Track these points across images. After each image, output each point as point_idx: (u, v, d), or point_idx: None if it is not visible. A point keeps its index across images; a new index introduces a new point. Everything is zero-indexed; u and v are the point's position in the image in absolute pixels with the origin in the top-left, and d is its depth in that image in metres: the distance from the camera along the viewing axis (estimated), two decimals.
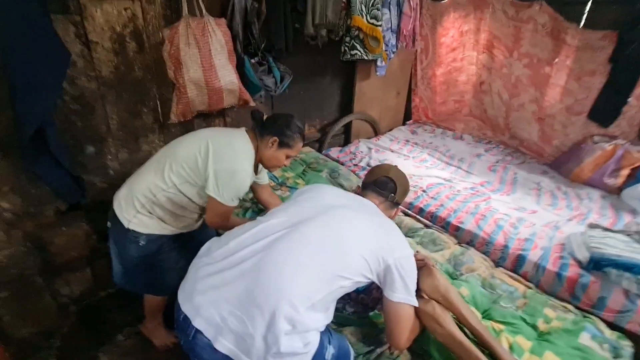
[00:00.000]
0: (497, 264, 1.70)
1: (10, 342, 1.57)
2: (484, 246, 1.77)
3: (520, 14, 2.64)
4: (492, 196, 2.18)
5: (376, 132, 3.25)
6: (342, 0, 2.11)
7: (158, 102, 1.91)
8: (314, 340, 0.90)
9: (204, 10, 1.61)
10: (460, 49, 3.09)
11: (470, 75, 3.12)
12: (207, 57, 1.59)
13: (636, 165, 2.20)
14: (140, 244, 1.32)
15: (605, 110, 2.45)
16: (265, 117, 1.40)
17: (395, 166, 1.30)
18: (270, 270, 0.87)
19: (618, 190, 2.27)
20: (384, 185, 1.20)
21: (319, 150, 2.84)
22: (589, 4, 2.43)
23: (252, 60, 1.90)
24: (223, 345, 0.83)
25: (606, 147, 2.27)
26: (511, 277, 1.56)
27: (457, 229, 1.87)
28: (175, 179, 1.26)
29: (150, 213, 1.30)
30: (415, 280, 1.03)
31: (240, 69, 1.83)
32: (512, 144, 3.01)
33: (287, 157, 1.37)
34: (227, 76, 1.68)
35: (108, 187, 1.96)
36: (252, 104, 1.90)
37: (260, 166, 1.49)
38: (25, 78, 1.31)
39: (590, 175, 2.33)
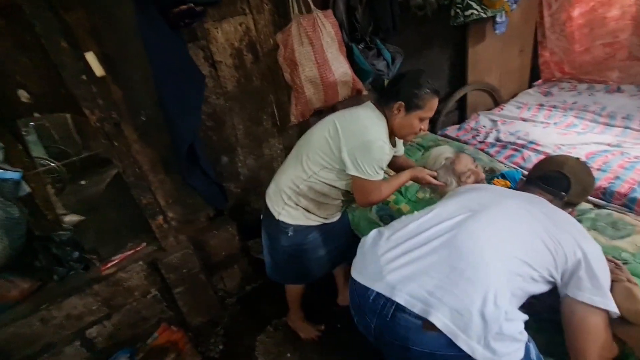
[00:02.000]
0: None
1: (188, 329, 1.86)
2: None
3: None
4: None
5: (497, 102, 2.81)
6: None
7: (275, 107, 2.01)
8: (524, 331, 0.81)
9: (311, 5, 1.58)
10: None
11: (627, 6, 2.39)
12: (320, 52, 1.57)
13: None
14: (289, 234, 1.38)
15: None
16: (386, 82, 1.27)
17: (576, 159, 1.08)
18: (470, 247, 0.83)
19: None
20: (553, 182, 1.04)
21: (432, 130, 2.59)
22: None
23: (360, 47, 1.81)
24: (438, 319, 0.75)
25: None
26: None
27: None
28: (314, 167, 1.26)
29: (296, 205, 1.34)
30: (609, 283, 0.87)
31: (349, 57, 1.77)
32: None
33: (421, 120, 1.20)
34: (340, 68, 1.63)
35: (241, 191, 2.17)
36: (365, 92, 1.82)
37: (398, 140, 1.39)
38: (175, 103, 1.50)
39: None
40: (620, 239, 1.35)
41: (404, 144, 2.27)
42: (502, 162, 1.91)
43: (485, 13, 1.99)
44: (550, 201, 1.02)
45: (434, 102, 1.19)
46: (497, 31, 2.29)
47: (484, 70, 2.64)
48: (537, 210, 0.94)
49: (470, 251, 0.82)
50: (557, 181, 1.03)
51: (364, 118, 1.19)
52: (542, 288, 0.89)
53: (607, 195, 1.56)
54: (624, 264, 1.23)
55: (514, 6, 2.25)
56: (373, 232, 1.02)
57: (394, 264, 0.87)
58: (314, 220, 1.40)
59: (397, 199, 1.80)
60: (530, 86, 3.01)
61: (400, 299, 0.80)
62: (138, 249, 1.78)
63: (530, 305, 1.11)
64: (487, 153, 2.06)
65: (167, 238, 1.76)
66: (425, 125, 1.23)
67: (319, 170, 1.26)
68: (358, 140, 1.15)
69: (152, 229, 1.72)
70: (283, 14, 1.77)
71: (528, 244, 0.86)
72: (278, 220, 1.36)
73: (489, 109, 2.73)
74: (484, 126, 2.41)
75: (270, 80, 1.92)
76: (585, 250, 0.85)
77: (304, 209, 1.35)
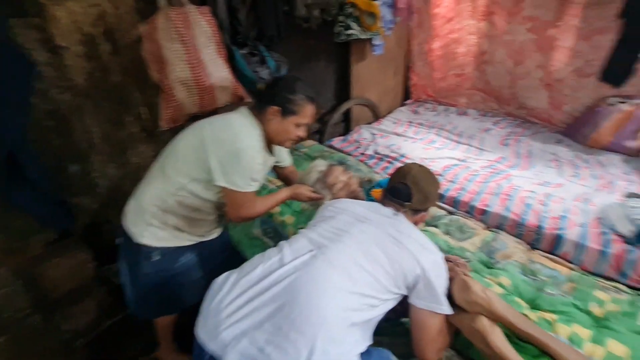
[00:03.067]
0: (533, 246, 1.58)
1: None
2: (516, 228, 1.65)
3: None
4: (511, 173, 2.05)
5: (376, 116, 3.09)
6: None
7: (144, 108, 1.73)
8: None
9: None
10: (457, 19, 2.91)
11: (470, 45, 2.95)
12: (193, 52, 1.41)
13: None
14: (154, 259, 1.19)
15: (617, 69, 2.31)
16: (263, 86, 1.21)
17: (418, 166, 1.17)
18: (307, 292, 0.84)
19: (639, 153, 2.17)
20: (399, 193, 1.11)
21: (320, 141, 2.67)
22: None
23: (243, 51, 1.71)
24: None
25: (624, 109, 2.15)
26: (551, 259, 1.45)
27: (484, 212, 1.75)
28: (182, 179, 1.11)
29: (163, 224, 1.16)
30: (445, 287, 0.99)
31: (230, 61, 1.65)
32: (520, 114, 2.88)
33: (297, 125, 1.17)
34: (218, 71, 1.50)
35: (99, 207, 1.79)
36: (248, 99, 1.73)
37: (279, 148, 1.34)
38: None
39: (610, 139, 2.22)
40: (464, 240, 1.59)
41: (292, 154, 2.27)
42: (378, 173, 2.08)
43: (363, 34, 2.14)
44: (399, 210, 1.10)
45: (310, 109, 1.16)
46: (374, 52, 2.51)
47: (365, 86, 2.86)
48: (382, 232, 1.00)
49: (306, 297, 0.83)
50: (402, 192, 1.11)
51: (236, 124, 1.10)
52: (389, 305, 0.97)
53: (456, 204, 1.85)
54: (467, 262, 1.45)
55: (389, 32, 2.50)
56: (222, 277, 0.94)
57: (232, 318, 0.81)
58: (187, 240, 1.23)
59: (281, 210, 1.76)
60: (402, 104, 3.41)
61: (231, 359, 0.75)
62: None
63: (393, 311, 1.20)
64: (367, 164, 2.21)
65: None
66: (302, 131, 1.19)
67: (187, 182, 1.11)
68: (228, 148, 1.05)
69: None
70: (151, 1, 1.53)
71: (370, 274, 0.91)
72: (139, 243, 1.15)
73: (370, 123, 2.97)
74: (365, 138, 2.60)
75: (136, 77, 1.64)
76: (423, 266, 0.94)
77: (174, 227, 1.18)
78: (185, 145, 1.11)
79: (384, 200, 1.17)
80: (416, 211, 1.14)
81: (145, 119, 1.75)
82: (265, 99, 1.15)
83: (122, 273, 1.29)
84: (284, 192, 1.29)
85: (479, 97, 3.11)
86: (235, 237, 1.60)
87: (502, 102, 2.98)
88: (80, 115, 1.57)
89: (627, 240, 1.43)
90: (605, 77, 2.38)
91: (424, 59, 3.21)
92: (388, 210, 1.10)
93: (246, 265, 0.95)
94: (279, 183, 1.93)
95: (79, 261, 1.62)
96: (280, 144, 1.23)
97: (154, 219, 1.14)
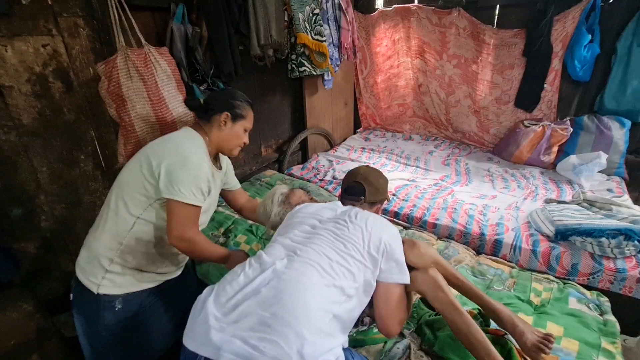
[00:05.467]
0: (478, 251, 1.77)
1: None
2: (462, 237, 1.84)
3: (442, 20, 2.89)
4: (454, 189, 2.30)
5: (331, 144, 3.28)
6: (285, 19, 2.11)
7: (97, 146, 1.69)
8: (341, 355, 0.90)
9: (142, 40, 1.46)
10: (395, 57, 3.28)
11: (408, 79, 3.32)
12: (154, 89, 1.44)
13: (563, 141, 2.52)
14: (117, 309, 1.13)
15: (527, 97, 2.77)
16: (202, 100, 1.25)
17: (365, 166, 1.34)
18: (291, 291, 0.89)
19: (552, 166, 2.58)
20: (354, 191, 1.25)
21: (280, 170, 2.75)
22: (497, 7, 2.76)
23: (202, 87, 1.78)
24: None
25: (537, 129, 2.56)
26: (495, 260, 1.64)
27: (435, 225, 1.93)
28: (136, 210, 1.08)
29: (122, 267, 1.12)
30: (403, 258, 1.07)
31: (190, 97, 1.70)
32: (456, 137, 3.25)
33: (245, 130, 1.25)
34: (179, 107, 1.54)
35: (46, 252, 1.66)
36: None
37: (225, 166, 1.36)
38: None
39: (529, 155, 2.60)
40: None
41: (253, 185, 2.31)
42: (337, 197, 2.20)
43: (315, 71, 2.34)
44: (357, 205, 1.23)
45: (252, 113, 1.27)
46: (325, 86, 2.72)
47: (319, 117, 3.05)
48: (348, 224, 1.08)
49: (290, 296, 0.88)
50: (355, 189, 1.25)
51: (177, 137, 1.15)
52: (368, 289, 1.02)
53: (410, 219, 2.01)
54: None
55: (337, 69, 2.74)
56: (206, 290, 0.97)
57: (221, 323, 0.84)
58: (149, 281, 1.19)
59: (248, 238, 1.78)
60: (354, 132, 3.66)
61: (226, 358, 0.78)
62: None
63: (360, 320, 1.26)
64: (327, 189, 2.32)
65: None
66: (247, 138, 1.27)
67: (142, 212, 1.09)
68: (172, 157, 1.06)
69: None
70: (106, 42, 1.56)
71: (343, 267, 0.98)
72: (99, 294, 1.09)
73: (326, 150, 3.14)
74: (323, 165, 2.74)
75: (90, 114, 1.62)
76: (386, 242, 1.03)
77: (135, 269, 1.14)
78: (132, 173, 1.10)
79: (342, 201, 1.29)
80: (372, 204, 1.27)
81: (101, 156, 1.71)
82: (210, 109, 1.19)
83: (78, 330, 1.20)
84: (226, 254, 1.27)
85: (420, 123, 3.46)
86: (202, 269, 1.58)
87: (440, 127, 3.34)
88: (27, 155, 1.50)
89: (550, 239, 1.68)
90: (519, 103, 2.83)
91: (369, 91, 3.52)
92: (348, 206, 1.20)
93: (227, 276, 0.98)
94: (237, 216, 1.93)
95: (21, 314, 1.46)
96: (229, 151, 1.26)
97: (113, 264, 1.10)
